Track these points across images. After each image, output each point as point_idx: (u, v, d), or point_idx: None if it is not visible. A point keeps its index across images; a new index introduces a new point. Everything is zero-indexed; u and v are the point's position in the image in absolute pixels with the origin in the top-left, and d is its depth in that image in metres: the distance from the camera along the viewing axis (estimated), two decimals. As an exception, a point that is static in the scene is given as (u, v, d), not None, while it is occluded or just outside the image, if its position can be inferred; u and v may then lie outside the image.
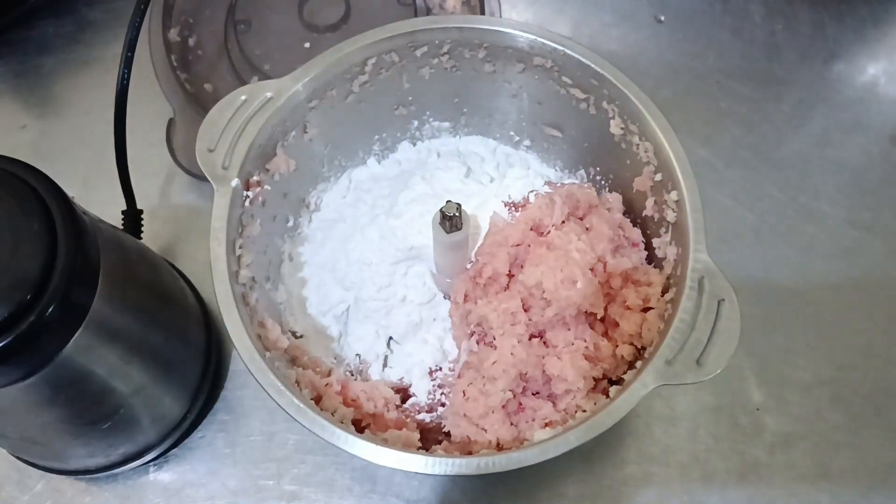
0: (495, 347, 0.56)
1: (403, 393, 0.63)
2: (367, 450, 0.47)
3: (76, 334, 0.44)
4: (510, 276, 0.59)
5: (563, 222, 0.59)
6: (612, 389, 0.54)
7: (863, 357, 0.70)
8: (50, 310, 0.41)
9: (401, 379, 0.64)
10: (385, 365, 0.65)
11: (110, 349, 0.49)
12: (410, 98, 0.67)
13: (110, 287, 0.47)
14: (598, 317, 0.58)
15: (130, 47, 0.64)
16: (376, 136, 0.70)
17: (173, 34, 0.76)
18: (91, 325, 0.45)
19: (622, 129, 0.60)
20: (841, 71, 0.85)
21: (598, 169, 0.67)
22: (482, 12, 0.76)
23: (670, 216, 0.56)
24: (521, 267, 0.58)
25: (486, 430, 0.55)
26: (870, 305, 0.72)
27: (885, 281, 0.74)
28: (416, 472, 0.47)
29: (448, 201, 0.54)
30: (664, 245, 0.58)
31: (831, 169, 0.79)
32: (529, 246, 0.58)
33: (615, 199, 0.63)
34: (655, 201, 0.59)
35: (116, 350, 0.50)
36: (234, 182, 0.54)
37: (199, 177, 0.71)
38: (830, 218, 0.77)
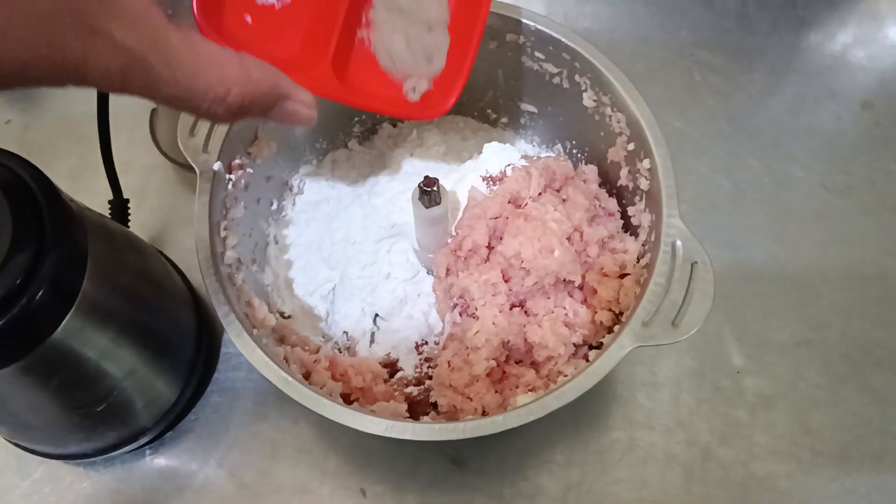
0: (477, 318, 0.57)
1: (391, 367, 0.65)
2: (356, 420, 0.49)
3: (66, 317, 0.46)
4: (490, 248, 0.60)
5: (540, 194, 0.61)
6: (593, 354, 0.55)
7: (839, 317, 0.72)
8: (40, 293, 0.42)
9: (388, 354, 0.65)
10: (372, 341, 0.66)
11: (101, 332, 0.51)
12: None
13: (99, 271, 0.48)
14: (577, 284, 0.59)
15: (110, 38, 0.64)
16: (356, 118, 0.71)
17: (153, 25, 0.77)
18: (81, 309, 0.47)
19: (595, 101, 0.61)
20: (812, 39, 0.87)
21: (574, 142, 0.68)
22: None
23: (643, 184, 0.58)
24: (500, 239, 0.59)
25: (471, 399, 0.57)
26: (845, 267, 0.74)
27: (859, 243, 0.75)
28: (404, 441, 0.49)
29: (426, 176, 0.56)
30: (639, 213, 0.59)
31: (805, 135, 0.81)
32: (507, 218, 0.60)
33: (591, 171, 0.64)
34: (629, 170, 0.60)
35: (107, 333, 0.51)
36: (217, 165, 0.55)
37: (184, 165, 0.72)
38: (805, 183, 0.78)
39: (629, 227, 0.62)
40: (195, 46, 0.35)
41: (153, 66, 0.33)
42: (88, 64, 0.32)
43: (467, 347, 0.57)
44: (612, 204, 0.63)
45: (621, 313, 0.57)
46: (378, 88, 0.55)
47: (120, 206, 0.67)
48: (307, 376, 0.56)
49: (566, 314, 0.58)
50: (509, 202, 0.61)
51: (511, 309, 0.58)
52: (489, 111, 0.72)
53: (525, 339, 0.58)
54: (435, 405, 0.60)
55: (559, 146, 0.70)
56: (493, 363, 0.57)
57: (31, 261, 0.42)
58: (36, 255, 0.43)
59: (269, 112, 0.41)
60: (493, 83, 0.69)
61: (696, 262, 0.52)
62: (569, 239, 0.58)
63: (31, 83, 0.32)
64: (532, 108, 0.69)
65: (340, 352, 0.65)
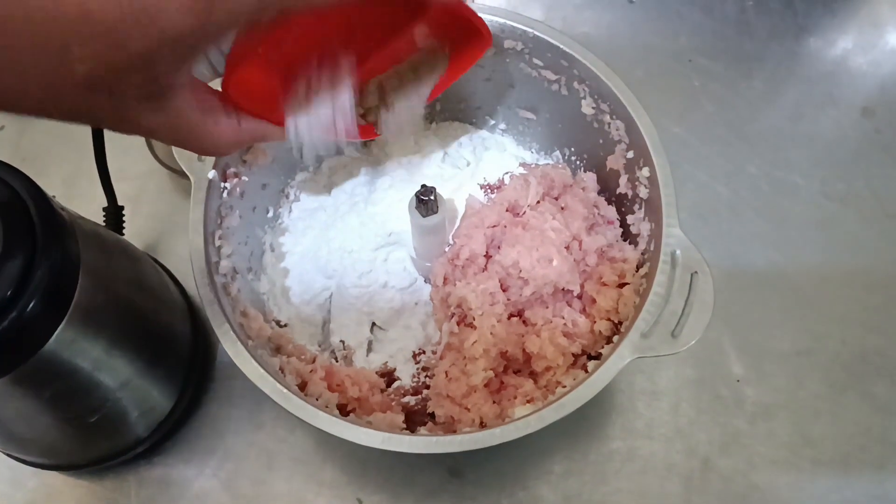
0: (475, 328, 0.57)
1: (388, 377, 0.64)
2: (352, 432, 0.48)
3: (59, 329, 0.45)
4: (487, 256, 0.60)
5: (539, 202, 0.60)
6: (591, 364, 0.55)
7: (839, 326, 0.71)
8: (31, 304, 0.42)
9: (385, 364, 0.65)
10: (369, 350, 0.65)
11: (94, 343, 0.50)
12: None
13: (91, 281, 0.48)
14: (576, 294, 0.59)
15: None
16: (353, 125, 0.70)
17: (148, 31, 0.76)
18: (73, 319, 0.46)
19: (594, 108, 0.61)
20: (811, 46, 0.86)
21: (572, 149, 0.68)
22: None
23: (643, 192, 0.57)
24: (499, 248, 0.59)
25: (469, 409, 0.56)
26: (845, 275, 0.74)
27: (860, 251, 0.75)
28: (401, 453, 0.48)
29: (423, 185, 0.55)
30: (638, 221, 0.59)
31: (804, 142, 0.80)
32: (505, 227, 0.59)
33: (590, 179, 0.64)
34: (628, 178, 0.60)
35: (101, 343, 0.51)
36: (211, 174, 0.55)
37: (180, 173, 0.72)
38: (804, 191, 0.78)
39: (628, 236, 0.61)
40: (207, 129, 0.40)
41: (162, 137, 0.38)
42: (105, 126, 0.35)
43: (465, 357, 0.57)
44: (612, 212, 0.63)
45: (620, 323, 0.57)
46: None
47: (114, 214, 0.67)
48: (303, 387, 0.56)
49: (565, 324, 0.57)
50: (507, 210, 0.60)
51: (509, 318, 0.58)
52: (487, 118, 0.72)
53: (523, 349, 0.57)
54: (432, 415, 0.59)
55: (558, 153, 0.70)
56: (491, 373, 0.56)
57: (23, 271, 0.42)
58: (27, 265, 0.42)
59: None
60: (491, 89, 0.68)
61: (695, 272, 0.51)
62: (567, 248, 0.57)
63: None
64: (530, 115, 0.69)
65: (337, 361, 0.64)
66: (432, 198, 0.55)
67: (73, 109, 0.32)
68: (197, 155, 0.55)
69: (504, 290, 0.58)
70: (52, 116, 0.32)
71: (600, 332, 0.58)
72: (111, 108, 0.32)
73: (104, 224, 0.67)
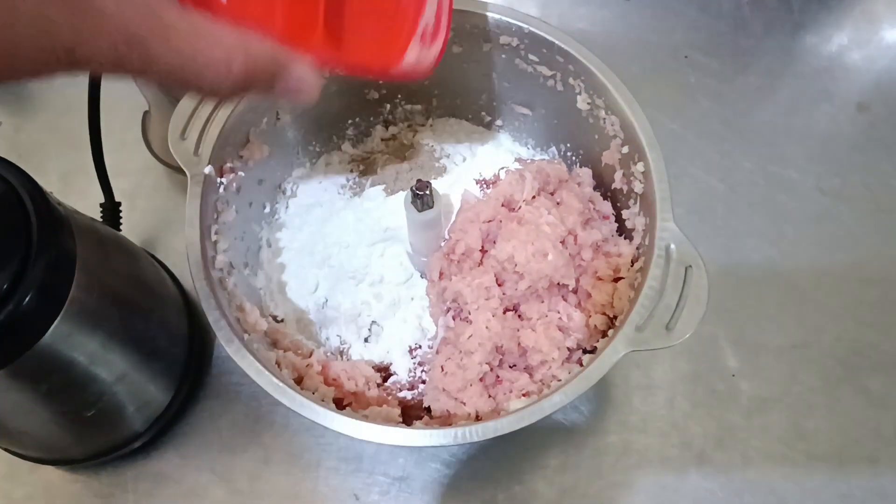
0: (471, 322, 0.57)
1: (385, 372, 0.64)
2: (348, 425, 0.48)
3: (55, 323, 0.45)
4: (483, 251, 0.60)
5: (534, 197, 0.60)
6: (586, 359, 0.55)
7: (834, 320, 0.71)
8: (27, 299, 0.42)
9: (382, 359, 0.65)
10: (366, 345, 0.65)
11: (90, 337, 0.50)
12: (381, 82, 0.68)
13: (88, 275, 0.48)
14: (571, 288, 0.59)
15: (101, 40, 0.64)
16: (349, 121, 0.70)
17: (145, 27, 0.76)
18: (70, 314, 0.46)
19: (588, 104, 0.61)
20: (807, 41, 0.86)
21: (568, 145, 0.68)
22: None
23: (638, 187, 0.57)
24: (494, 242, 0.59)
25: (465, 404, 0.56)
26: (840, 270, 0.74)
27: (855, 245, 0.75)
28: (398, 446, 0.48)
29: (418, 180, 0.55)
30: (633, 216, 0.59)
31: (800, 138, 0.81)
32: (501, 221, 0.59)
33: (585, 174, 0.64)
34: (623, 174, 0.60)
35: (97, 337, 0.51)
36: (207, 169, 0.55)
37: (176, 168, 0.72)
38: (800, 186, 0.78)
39: (623, 231, 0.62)
40: (193, 22, 0.33)
41: (150, 43, 0.31)
42: (80, 45, 0.29)
43: (461, 352, 0.57)
44: (607, 207, 0.63)
45: (615, 317, 0.57)
46: (374, 39, 0.49)
47: (111, 210, 0.67)
48: (299, 381, 0.56)
49: (560, 318, 0.58)
50: (503, 205, 0.60)
51: (504, 313, 0.58)
52: (483, 114, 0.72)
53: (518, 344, 0.57)
54: (428, 409, 0.59)
55: (553, 149, 0.70)
56: (487, 367, 0.56)
57: (19, 266, 0.42)
58: (23, 260, 0.42)
59: (271, 86, 0.38)
60: (487, 85, 0.69)
61: (689, 266, 0.51)
62: (563, 242, 0.58)
63: (19, 76, 0.30)
64: (526, 111, 0.69)
65: (333, 356, 0.65)
66: (428, 192, 0.55)
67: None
68: (193, 150, 0.55)
69: (499, 285, 0.58)
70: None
71: (595, 326, 0.58)
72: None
73: (101, 220, 0.67)
